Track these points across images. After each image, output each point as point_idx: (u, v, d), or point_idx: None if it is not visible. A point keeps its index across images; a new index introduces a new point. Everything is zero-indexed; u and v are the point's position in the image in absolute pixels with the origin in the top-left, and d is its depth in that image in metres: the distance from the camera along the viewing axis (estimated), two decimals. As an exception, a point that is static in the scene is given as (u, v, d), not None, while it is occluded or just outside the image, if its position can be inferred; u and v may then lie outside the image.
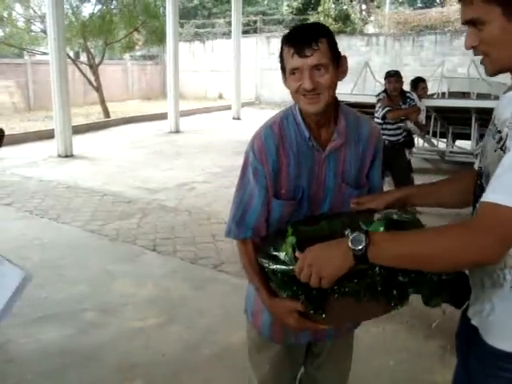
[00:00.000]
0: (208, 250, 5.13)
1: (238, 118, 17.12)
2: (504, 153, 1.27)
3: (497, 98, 9.43)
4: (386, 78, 6.02)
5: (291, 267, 1.43)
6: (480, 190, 1.41)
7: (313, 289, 1.41)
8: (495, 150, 1.34)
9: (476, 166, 1.55)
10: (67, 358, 3.22)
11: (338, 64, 1.59)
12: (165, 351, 3.29)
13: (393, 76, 5.92)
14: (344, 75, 1.63)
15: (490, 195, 1.23)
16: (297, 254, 1.41)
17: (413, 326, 3.65)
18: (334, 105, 1.68)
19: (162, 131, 13.81)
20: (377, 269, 1.36)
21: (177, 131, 13.93)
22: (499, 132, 1.34)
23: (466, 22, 1.33)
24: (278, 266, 1.48)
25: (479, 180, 1.46)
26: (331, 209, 1.74)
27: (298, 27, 1.61)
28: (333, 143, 1.66)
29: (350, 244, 1.30)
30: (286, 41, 1.56)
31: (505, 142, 1.27)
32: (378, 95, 6.16)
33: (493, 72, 1.37)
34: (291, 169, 1.67)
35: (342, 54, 1.62)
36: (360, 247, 1.29)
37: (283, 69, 1.62)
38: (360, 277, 1.37)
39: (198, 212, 6.42)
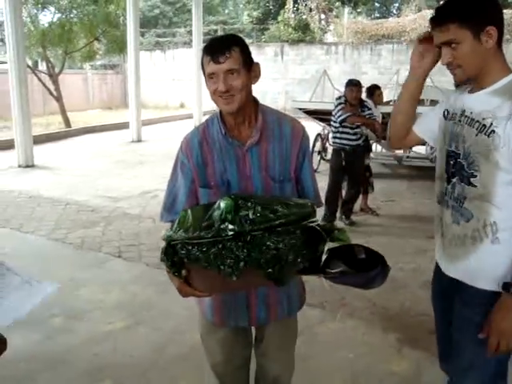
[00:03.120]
0: (173, 255, 5.19)
1: (200, 127, 17.13)
2: (488, 137, 1.69)
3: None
4: (347, 86, 6.18)
5: (166, 233, 1.61)
6: (460, 167, 1.82)
7: (174, 255, 1.59)
8: (476, 135, 1.74)
9: (441, 149, 1.94)
10: (36, 363, 3.25)
11: (251, 69, 1.81)
12: (133, 353, 3.37)
13: (355, 85, 6.09)
14: (257, 79, 1.86)
15: None
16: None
17: (372, 321, 3.81)
18: (253, 105, 1.90)
19: (124, 140, 13.78)
20: (229, 243, 1.49)
21: (139, 140, 13.92)
22: (478, 122, 1.74)
23: (442, 43, 1.74)
24: (166, 234, 1.64)
25: (453, 160, 1.85)
26: None
27: (215, 38, 1.83)
28: (252, 139, 1.87)
29: None
30: (205, 50, 1.78)
31: (488, 129, 1.69)
32: (338, 98, 6.32)
33: (463, 80, 1.80)
34: (216, 163, 1.89)
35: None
36: None
37: (204, 75, 1.81)
38: (210, 246, 1.51)
39: (163, 219, 6.46)
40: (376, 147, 9.34)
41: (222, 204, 1.53)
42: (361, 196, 6.82)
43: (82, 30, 15.60)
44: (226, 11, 33.66)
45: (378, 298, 4.08)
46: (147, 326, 3.72)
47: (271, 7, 27.19)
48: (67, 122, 15.62)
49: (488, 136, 1.69)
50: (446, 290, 1.99)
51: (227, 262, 1.49)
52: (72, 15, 16.05)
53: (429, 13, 20.35)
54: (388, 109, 8.46)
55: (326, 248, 1.59)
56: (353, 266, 1.60)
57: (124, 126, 15.21)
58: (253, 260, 1.48)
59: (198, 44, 17.21)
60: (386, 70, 19.25)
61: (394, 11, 29.64)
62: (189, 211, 1.66)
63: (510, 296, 1.68)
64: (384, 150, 9.70)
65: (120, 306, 4.03)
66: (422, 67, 1.92)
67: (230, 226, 1.48)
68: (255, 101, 1.91)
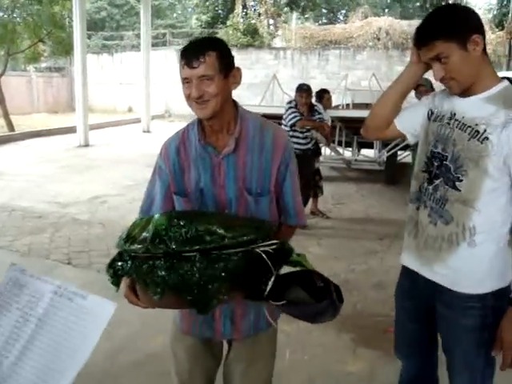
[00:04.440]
0: (124, 261, 5.11)
1: (148, 131, 17.06)
2: (481, 143, 1.71)
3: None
4: (297, 92, 6.24)
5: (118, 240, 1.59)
6: (446, 169, 1.82)
7: (116, 265, 1.58)
8: (468, 140, 1.75)
9: (423, 149, 1.94)
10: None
11: (230, 75, 1.73)
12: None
13: (305, 91, 6.16)
14: (237, 85, 1.78)
15: None
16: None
17: (325, 323, 3.85)
18: (233, 111, 1.82)
19: (70, 145, 13.47)
20: (158, 261, 1.45)
21: (86, 145, 13.63)
22: (470, 127, 1.75)
23: (431, 59, 1.74)
24: (118, 240, 1.61)
25: (438, 161, 1.85)
26: None
27: (193, 41, 1.76)
28: (228, 147, 1.78)
29: None
30: (180, 53, 1.72)
31: (482, 135, 1.71)
32: (289, 102, 6.37)
33: (460, 91, 1.79)
34: (192, 170, 1.82)
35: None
36: None
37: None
38: (143, 261, 1.48)
39: (112, 225, 6.35)
40: (325, 151, 9.46)
41: (155, 220, 1.48)
42: (311, 199, 6.91)
43: (25, 30, 15.17)
44: (175, 15, 33.46)
45: (330, 299, 4.13)
46: (99, 334, 3.64)
47: (220, 11, 27.22)
48: (10, 126, 15.13)
49: (481, 142, 1.71)
50: (425, 294, 1.98)
51: (154, 280, 1.44)
52: (15, 15, 15.58)
53: (374, 19, 20.87)
54: (337, 113, 8.63)
55: (273, 277, 1.47)
56: (310, 293, 1.52)
57: (71, 130, 14.86)
58: (170, 283, 1.41)
59: (146, 47, 17.06)
60: (334, 74, 19.56)
61: (341, 17, 30.26)
62: (144, 219, 1.60)
63: None
64: (333, 154, 9.84)
65: (70, 314, 3.93)
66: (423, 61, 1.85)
67: (160, 244, 1.42)
68: (236, 107, 1.83)
